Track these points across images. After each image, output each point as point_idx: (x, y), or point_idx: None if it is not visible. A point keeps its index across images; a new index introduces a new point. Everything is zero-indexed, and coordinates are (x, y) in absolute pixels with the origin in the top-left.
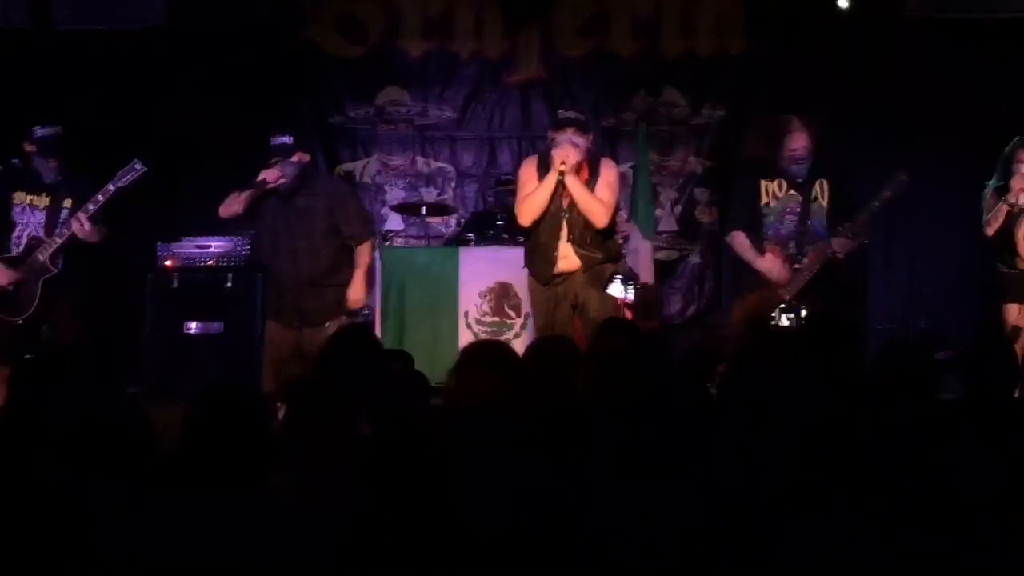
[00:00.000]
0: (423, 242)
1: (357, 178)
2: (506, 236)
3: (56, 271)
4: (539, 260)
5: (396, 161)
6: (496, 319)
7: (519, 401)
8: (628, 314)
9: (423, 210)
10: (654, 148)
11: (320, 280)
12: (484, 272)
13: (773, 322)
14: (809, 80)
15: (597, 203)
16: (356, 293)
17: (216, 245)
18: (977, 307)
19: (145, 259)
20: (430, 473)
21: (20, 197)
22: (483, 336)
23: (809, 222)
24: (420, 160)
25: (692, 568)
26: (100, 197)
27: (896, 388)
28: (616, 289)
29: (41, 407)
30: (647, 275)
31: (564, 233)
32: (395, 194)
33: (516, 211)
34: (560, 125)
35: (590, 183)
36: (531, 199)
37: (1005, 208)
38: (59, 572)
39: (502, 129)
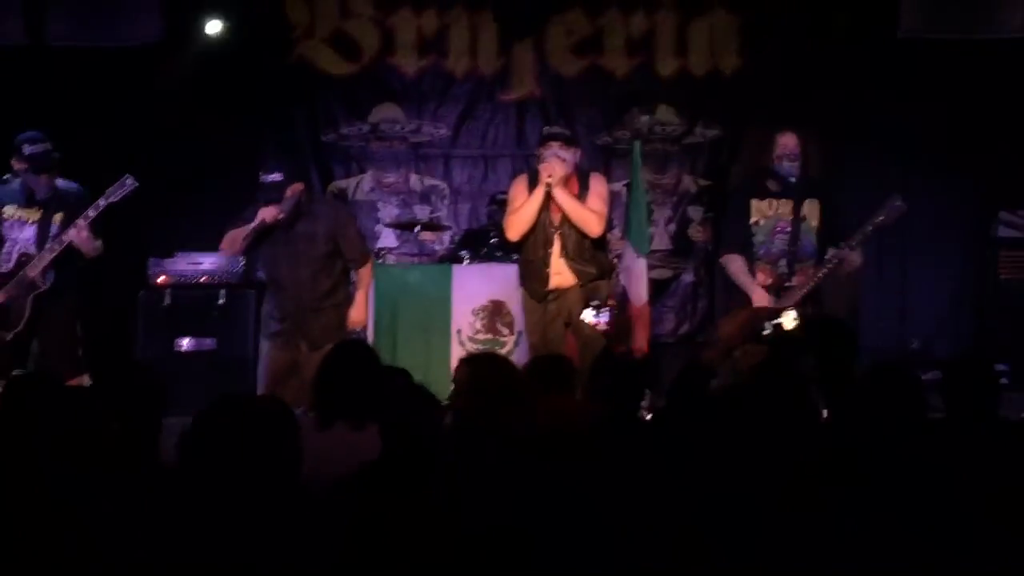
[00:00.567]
0: (416, 259)
1: (351, 195)
2: (499, 254)
3: (46, 287)
4: (531, 277)
5: (390, 178)
6: (489, 336)
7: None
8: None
9: (417, 228)
10: (648, 166)
11: (320, 303)
12: (477, 290)
13: (765, 332)
14: (802, 99)
15: (588, 212)
16: (358, 314)
17: (209, 262)
18: (970, 326)
19: (137, 275)
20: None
21: (10, 212)
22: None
23: (799, 242)
24: (414, 177)
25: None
26: (91, 212)
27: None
28: (588, 315)
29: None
30: (640, 293)
31: (556, 248)
32: (388, 211)
33: (504, 225)
34: (545, 140)
35: (580, 197)
36: (519, 213)
37: None
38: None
39: (496, 147)
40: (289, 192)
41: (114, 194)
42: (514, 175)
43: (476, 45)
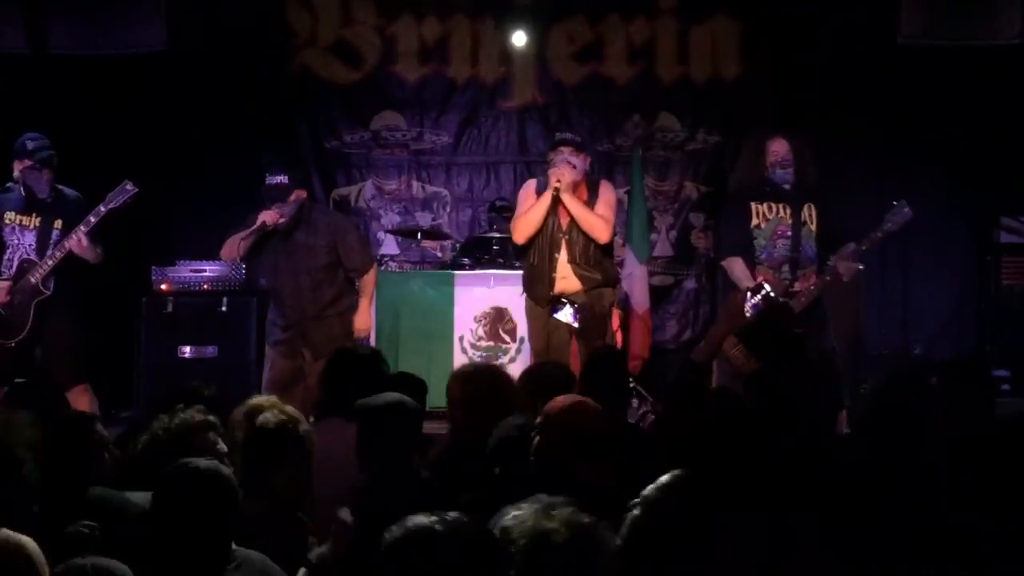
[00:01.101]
0: (418, 267)
1: (352, 202)
2: (501, 261)
3: (48, 293)
4: (537, 282)
5: (391, 186)
6: (491, 343)
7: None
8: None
9: (419, 235)
10: (649, 173)
11: (324, 312)
12: (479, 297)
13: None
14: (803, 106)
15: (597, 218)
16: (363, 322)
17: (211, 269)
18: (972, 332)
19: (140, 283)
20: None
21: (10, 217)
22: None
23: (800, 246)
24: (415, 185)
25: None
26: (92, 219)
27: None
28: (565, 315)
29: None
30: (641, 299)
31: (564, 254)
32: (390, 218)
33: (511, 229)
34: (555, 145)
35: (589, 203)
36: (526, 216)
37: None
38: None
39: (498, 154)
40: (293, 197)
41: (114, 200)
42: (516, 182)
43: (477, 52)
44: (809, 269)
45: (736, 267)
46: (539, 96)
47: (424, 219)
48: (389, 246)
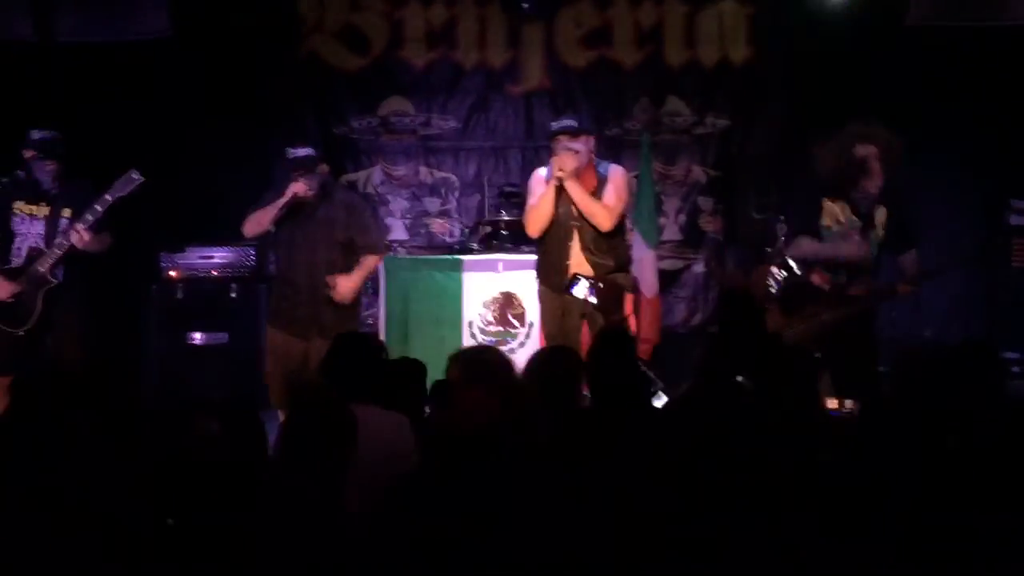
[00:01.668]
0: (427, 252)
1: (360, 188)
2: (510, 246)
3: (56, 282)
4: (551, 269)
5: (399, 171)
6: (500, 329)
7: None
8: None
9: (427, 220)
10: (658, 157)
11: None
12: (488, 282)
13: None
14: (811, 89)
15: (598, 206)
16: (346, 287)
17: (220, 255)
18: (983, 315)
19: (149, 270)
20: None
21: (20, 207)
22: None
23: (864, 252)
24: (423, 170)
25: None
26: (98, 208)
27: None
28: (580, 290)
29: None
30: (651, 284)
31: (576, 241)
32: (398, 204)
33: (524, 222)
34: (553, 136)
35: (598, 189)
36: (536, 210)
37: None
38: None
39: (506, 139)
40: (320, 169)
41: (120, 189)
42: (524, 167)
43: (485, 37)
44: (866, 274)
45: (807, 245)
46: (547, 80)
47: (432, 204)
48: (398, 231)
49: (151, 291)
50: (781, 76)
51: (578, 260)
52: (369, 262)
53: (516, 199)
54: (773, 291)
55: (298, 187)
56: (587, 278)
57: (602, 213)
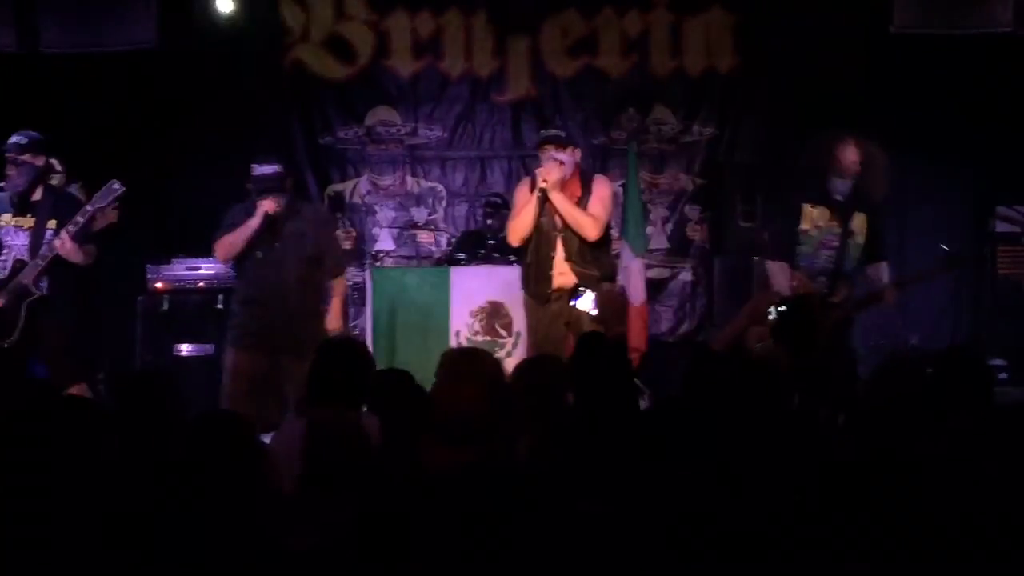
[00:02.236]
0: (414, 262)
1: (347, 198)
2: (497, 255)
3: (39, 294)
4: (535, 279)
5: (386, 181)
6: (487, 338)
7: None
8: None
9: (414, 230)
10: (644, 166)
11: (305, 309)
12: (475, 292)
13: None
14: (797, 97)
15: (584, 217)
16: (336, 322)
17: (206, 267)
18: (968, 322)
19: (135, 281)
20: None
21: (5, 219)
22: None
23: (844, 260)
24: (410, 180)
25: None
26: (80, 218)
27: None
28: (585, 303)
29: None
30: (638, 292)
31: (560, 251)
32: (385, 214)
33: (507, 230)
34: (540, 145)
35: (582, 199)
36: (518, 219)
37: None
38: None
39: (492, 148)
40: (287, 185)
41: (101, 200)
42: (511, 176)
43: (471, 47)
44: (847, 281)
45: (779, 273)
46: (533, 90)
47: (419, 214)
48: (385, 242)
49: (137, 303)
50: (767, 84)
51: (561, 270)
52: (339, 285)
53: (504, 209)
54: (771, 318)
55: (269, 206)
56: (591, 290)
57: (588, 223)
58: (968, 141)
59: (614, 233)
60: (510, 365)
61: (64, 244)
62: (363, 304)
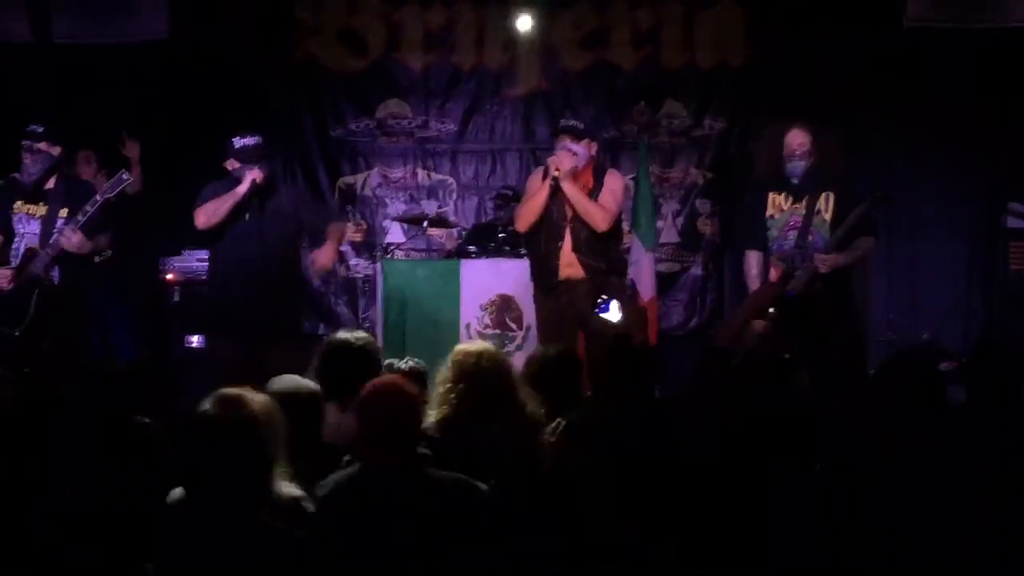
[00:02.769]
0: (424, 255)
1: (358, 191)
2: (507, 248)
3: (49, 282)
4: (542, 268)
5: (397, 174)
6: (497, 331)
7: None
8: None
9: (425, 222)
10: (655, 160)
11: (286, 290)
12: (485, 284)
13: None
14: (809, 91)
15: (595, 208)
16: (325, 257)
17: None
18: (980, 317)
19: (146, 272)
20: None
21: (19, 206)
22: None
23: (809, 238)
24: (421, 173)
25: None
26: (88, 208)
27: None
28: (613, 312)
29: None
30: (648, 287)
31: (568, 242)
32: (396, 207)
33: (514, 217)
34: (556, 134)
35: (594, 191)
36: (527, 205)
37: None
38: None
39: (503, 141)
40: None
41: (110, 189)
42: (521, 169)
43: (482, 39)
44: (807, 264)
45: (751, 263)
46: (544, 83)
47: (430, 207)
48: (395, 234)
49: (148, 294)
50: (778, 78)
51: (569, 260)
52: (337, 229)
53: (514, 202)
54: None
55: (256, 174)
56: (616, 300)
57: (598, 213)
58: (981, 136)
59: (624, 227)
60: (520, 359)
61: (70, 239)
62: (373, 297)
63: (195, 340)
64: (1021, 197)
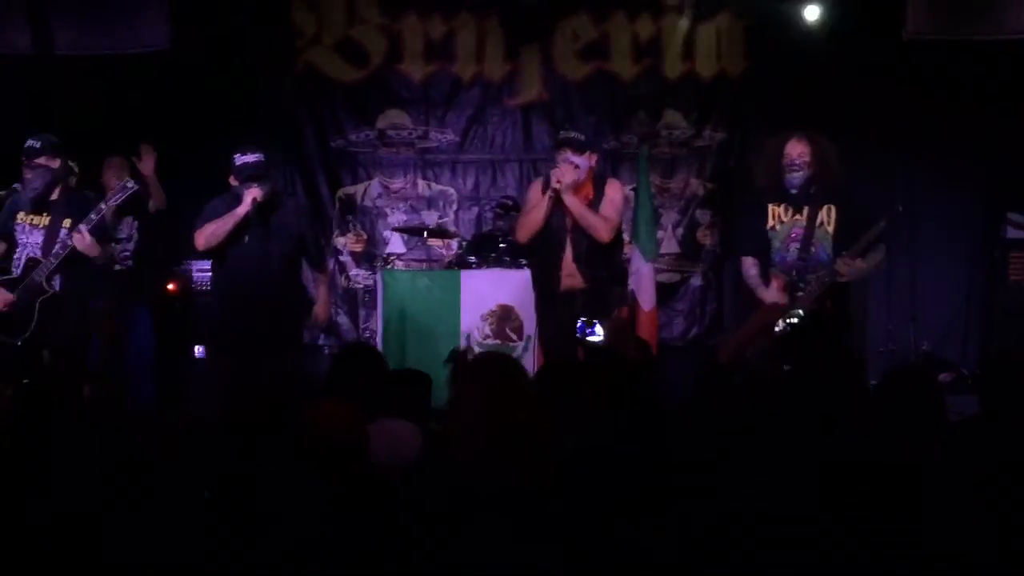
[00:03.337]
0: (424, 265)
1: (358, 201)
2: (507, 259)
3: (52, 292)
4: (544, 279)
5: (397, 184)
6: (497, 342)
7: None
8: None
9: (424, 233)
10: (655, 170)
11: (289, 304)
12: (485, 295)
13: (777, 329)
14: (808, 102)
15: (597, 219)
16: (324, 311)
17: None
18: (980, 328)
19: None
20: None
21: (21, 217)
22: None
23: (812, 249)
24: (421, 183)
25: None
26: (93, 216)
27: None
28: (597, 336)
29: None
30: (648, 297)
31: (569, 252)
32: (396, 217)
33: (515, 228)
34: (558, 146)
35: (594, 202)
36: (528, 217)
37: None
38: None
39: (503, 152)
40: (269, 176)
41: (115, 198)
42: (521, 180)
43: (483, 50)
44: (821, 272)
45: (749, 269)
46: (544, 93)
47: (430, 217)
48: (395, 245)
49: (151, 304)
50: (778, 89)
51: (570, 271)
52: (326, 277)
53: (514, 212)
54: (778, 330)
55: (255, 192)
56: (599, 323)
57: (600, 225)
58: (980, 147)
59: (625, 237)
60: None
61: (83, 238)
62: (374, 307)
63: (198, 350)
64: (1020, 208)
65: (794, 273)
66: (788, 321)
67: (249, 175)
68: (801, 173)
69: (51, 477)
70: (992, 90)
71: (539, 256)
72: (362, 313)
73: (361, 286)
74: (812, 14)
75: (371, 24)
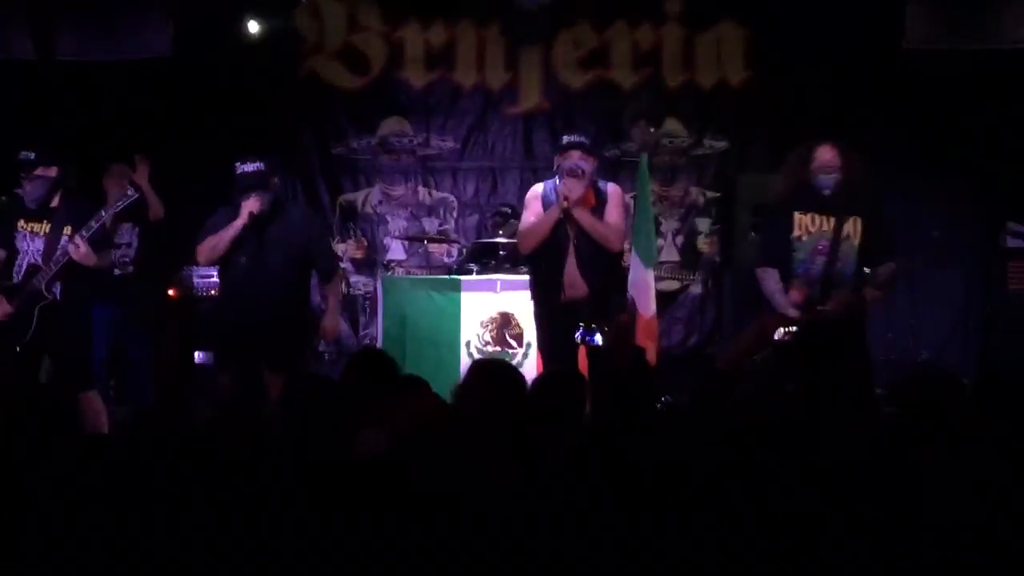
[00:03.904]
0: (425, 272)
1: (359, 208)
2: (508, 266)
3: (52, 298)
4: (545, 287)
5: (398, 191)
6: (498, 349)
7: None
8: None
9: (425, 240)
10: (655, 179)
11: (293, 317)
12: (486, 302)
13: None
14: (808, 111)
15: (607, 229)
16: (332, 324)
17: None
18: (979, 338)
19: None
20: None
21: (22, 224)
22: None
23: (838, 264)
24: (422, 190)
25: None
26: (93, 223)
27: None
28: (595, 341)
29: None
30: (648, 305)
31: (572, 260)
32: (397, 224)
33: (517, 238)
34: (565, 149)
35: (597, 209)
36: (532, 231)
37: None
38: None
39: (504, 160)
40: (272, 183)
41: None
42: (522, 187)
43: (484, 58)
44: (843, 289)
45: (769, 281)
46: (545, 102)
47: (431, 224)
48: (396, 252)
49: (151, 310)
50: (779, 98)
51: (572, 279)
52: (335, 288)
53: (514, 219)
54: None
55: (252, 205)
56: (598, 328)
57: (612, 235)
58: (980, 156)
59: (625, 245)
60: None
61: (79, 248)
62: (374, 314)
63: (200, 356)
64: (1019, 217)
65: (817, 287)
66: (788, 329)
67: (247, 185)
68: (834, 176)
69: (48, 485)
70: (991, 100)
71: (541, 266)
72: (362, 319)
73: (361, 293)
74: (253, 28)
75: (372, 32)
